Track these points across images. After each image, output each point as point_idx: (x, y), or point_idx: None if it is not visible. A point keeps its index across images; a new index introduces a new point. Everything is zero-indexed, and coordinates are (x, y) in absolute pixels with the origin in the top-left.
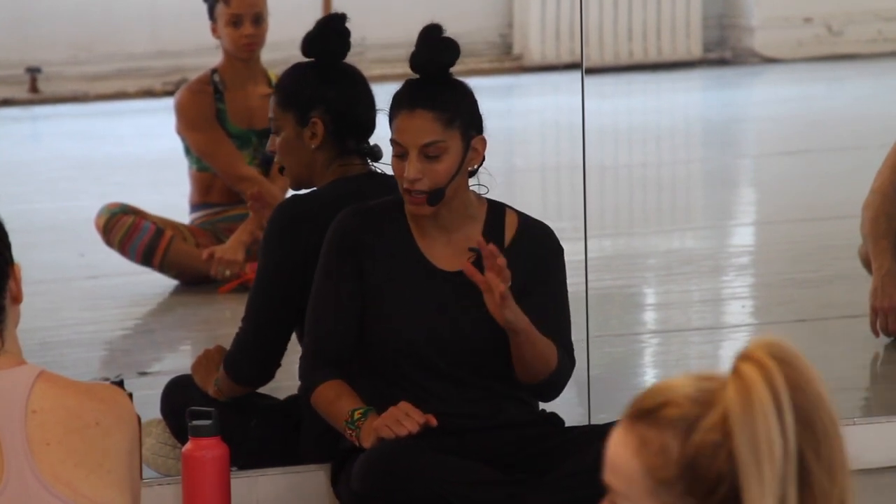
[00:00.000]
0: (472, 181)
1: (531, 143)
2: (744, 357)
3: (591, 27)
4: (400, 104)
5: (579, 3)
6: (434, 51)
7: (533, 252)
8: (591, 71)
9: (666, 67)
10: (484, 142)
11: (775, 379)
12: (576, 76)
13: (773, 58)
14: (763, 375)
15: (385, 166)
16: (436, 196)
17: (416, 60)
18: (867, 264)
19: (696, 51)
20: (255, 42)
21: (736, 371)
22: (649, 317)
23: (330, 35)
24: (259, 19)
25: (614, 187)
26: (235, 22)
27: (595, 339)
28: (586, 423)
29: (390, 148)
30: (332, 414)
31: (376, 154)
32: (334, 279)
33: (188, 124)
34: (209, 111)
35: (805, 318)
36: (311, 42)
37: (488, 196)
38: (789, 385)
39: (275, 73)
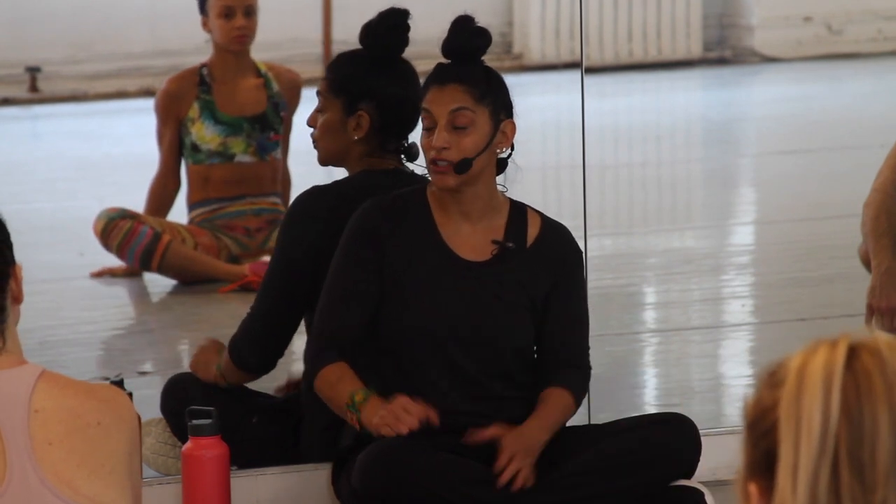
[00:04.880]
0: (498, 179)
1: (531, 142)
2: (833, 338)
3: (591, 27)
4: (431, 81)
5: (579, 2)
6: (465, 36)
7: (555, 254)
8: (591, 70)
9: (666, 67)
10: (513, 126)
11: (835, 362)
12: (576, 75)
13: (772, 57)
14: (826, 354)
15: (416, 167)
16: (463, 165)
17: (447, 46)
18: (867, 263)
19: (696, 50)
20: (246, 34)
21: (809, 345)
22: (649, 316)
23: (383, 29)
24: (250, 11)
25: (614, 186)
26: (227, 14)
27: (595, 339)
28: (586, 423)
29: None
30: (333, 397)
31: (413, 153)
32: (351, 267)
33: (157, 109)
34: (185, 104)
35: (805, 317)
36: (366, 32)
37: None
38: (850, 377)
39: (264, 63)
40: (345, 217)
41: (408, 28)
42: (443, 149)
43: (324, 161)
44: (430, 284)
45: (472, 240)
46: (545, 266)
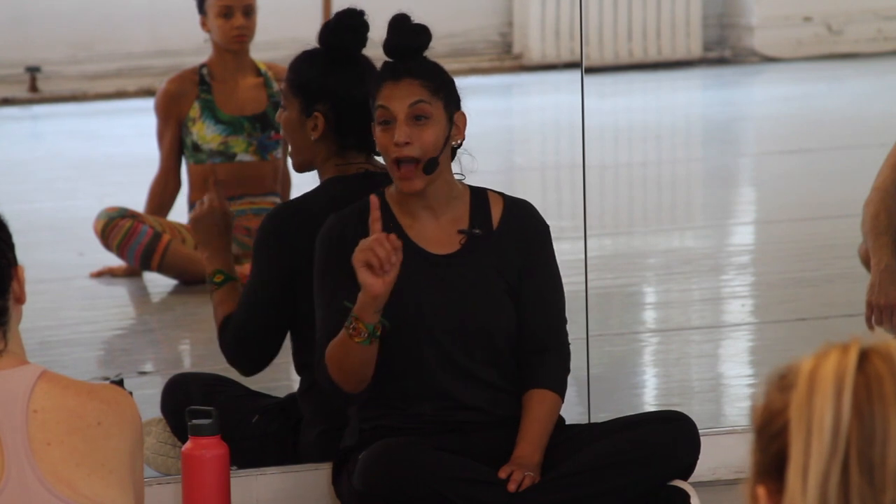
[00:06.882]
0: (453, 165)
1: (531, 141)
2: (843, 342)
3: (591, 27)
4: (384, 77)
5: (579, 2)
6: (406, 35)
7: (522, 232)
8: (591, 70)
9: (666, 67)
10: (464, 117)
11: (846, 365)
12: (575, 75)
13: (772, 57)
14: (838, 358)
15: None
16: (431, 165)
17: (389, 46)
18: (866, 263)
19: (696, 50)
20: (245, 34)
21: (820, 348)
22: (649, 316)
23: (341, 29)
24: (249, 11)
25: (614, 186)
26: (226, 13)
27: (595, 338)
28: (586, 422)
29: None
30: (337, 351)
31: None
32: (330, 285)
33: (157, 109)
34: (185, 104)
35: (805, 316)
36: (324, 32)
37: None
38: (861, 380)
39: (264, 62)
40: (317, 229)
41: (366, 26)
42: (405, 144)
43: (297, 166)
44: (410, 287)
45: (438, 234)
46: (514, 244)
